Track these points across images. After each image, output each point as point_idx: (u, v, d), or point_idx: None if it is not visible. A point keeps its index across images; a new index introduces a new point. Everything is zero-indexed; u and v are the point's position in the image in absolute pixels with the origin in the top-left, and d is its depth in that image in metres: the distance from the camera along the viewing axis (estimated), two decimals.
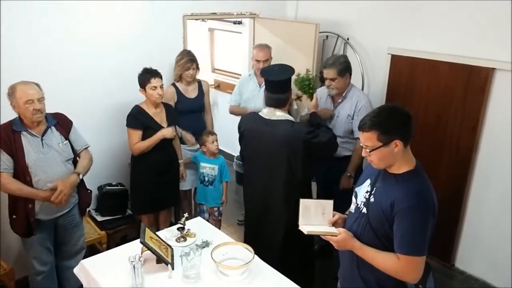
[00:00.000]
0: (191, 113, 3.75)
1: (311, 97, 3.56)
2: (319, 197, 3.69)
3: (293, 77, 3.36)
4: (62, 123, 2.84)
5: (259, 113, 2.98)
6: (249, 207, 3.22)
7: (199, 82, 3.85)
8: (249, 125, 3.03)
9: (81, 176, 2.83)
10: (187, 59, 3.61)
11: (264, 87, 3.79)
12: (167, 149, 3.40)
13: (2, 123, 2.73)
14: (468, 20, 3.32)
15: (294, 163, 2.86)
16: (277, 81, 2.90)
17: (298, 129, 2.86)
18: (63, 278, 3.07)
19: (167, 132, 3.29)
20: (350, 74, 3.34)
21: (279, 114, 2.89)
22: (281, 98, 2.89)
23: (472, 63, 3.31)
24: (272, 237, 3.04)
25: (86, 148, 2.96)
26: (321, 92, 3.52)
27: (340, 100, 3.35)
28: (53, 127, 2.76)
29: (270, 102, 2.92)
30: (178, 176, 3.61)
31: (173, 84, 3.71)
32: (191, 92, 3.76)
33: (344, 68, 3.26)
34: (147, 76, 3.18)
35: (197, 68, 3.70)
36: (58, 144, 2.75)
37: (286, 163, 2.86)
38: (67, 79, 3.31)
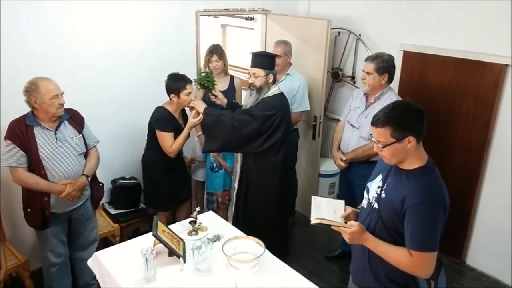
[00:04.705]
0: (218, 106, 3.66)
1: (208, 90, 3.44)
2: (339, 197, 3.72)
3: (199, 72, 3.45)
4: (75, 118, 2.87)
5: (276, 94, 3.15)
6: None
7: (232, 77, 3.91)
8: (283, 107, 3.16)
9: (89, 178, 2.87)
10: (207, 52, 3.70)
11: (280, 82, 3.82)
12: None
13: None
14: (481, 16, 3.29)
15: None
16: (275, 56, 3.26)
17: None
18: (77, 269, 3.11)
19: (196, 120, 3.16)
20: (390, 77, 3.17)
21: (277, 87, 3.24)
22: None
23: (485, 59, 3.29)
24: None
25: (96, 144, 3.00)
26: (357, 92, 3.48)
27: (372, 101, 3.21)
28: (66, 121, 2.79)
29: (274, 78, 3.18)
30: (187, 169, 3.64)
31: None
32: (221, 86, 3.76)
33: (384, 67, 3.10)
34: (181, 82, 3.14)
35: (221, 59, 3.75)
36: (71, 138, 2.78)
37: None
38: (81, 75, 3.36)
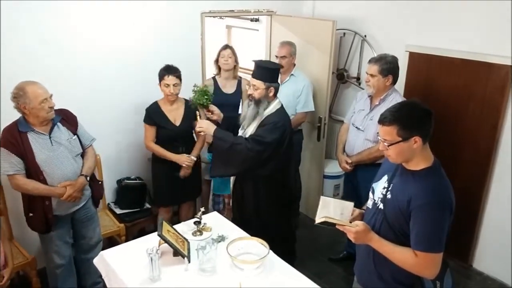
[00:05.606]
0: (224, 108, 3.48)
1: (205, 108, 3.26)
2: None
3: (195, 88, 3.24)
4: (68, 119, 2.84)
5: (278, 109, 2.97)
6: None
7: (240, 80, 3.88)
8: (287, 121, 3.03)
9: (88, 178, 2.87)
10: (222, 46, 3.75)
11: (284, 82, 3.82)
12: (186, 146, 3.42)
13: (2, 121, 2.74)
14: (487, 17, 3.27)
15: None
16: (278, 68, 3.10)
17: None
18: (84, 270, 3.13)
19: (183, 160, 3.34)
20: (394, 79, 3.13)
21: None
22: None
23: (492, 61, 3.27)
24: None
25: (92, 143, 2.99)
26: (361, 94, 3.46)
27: (377, 103, 3.17)
28: (59, 124, 2.75)
29: (276, 92, 2.97)
30: (197, 171, 3.59)
31: (213, 78, 3.81)
32: (228, 88, 3.79)
33: (388, 69, 3.07)
34: (163, 72, 3.23)
35: (233, 56, 3.74)
36: (67, 140, 2.76)
37: None
38: (86, 74, 3.38)
